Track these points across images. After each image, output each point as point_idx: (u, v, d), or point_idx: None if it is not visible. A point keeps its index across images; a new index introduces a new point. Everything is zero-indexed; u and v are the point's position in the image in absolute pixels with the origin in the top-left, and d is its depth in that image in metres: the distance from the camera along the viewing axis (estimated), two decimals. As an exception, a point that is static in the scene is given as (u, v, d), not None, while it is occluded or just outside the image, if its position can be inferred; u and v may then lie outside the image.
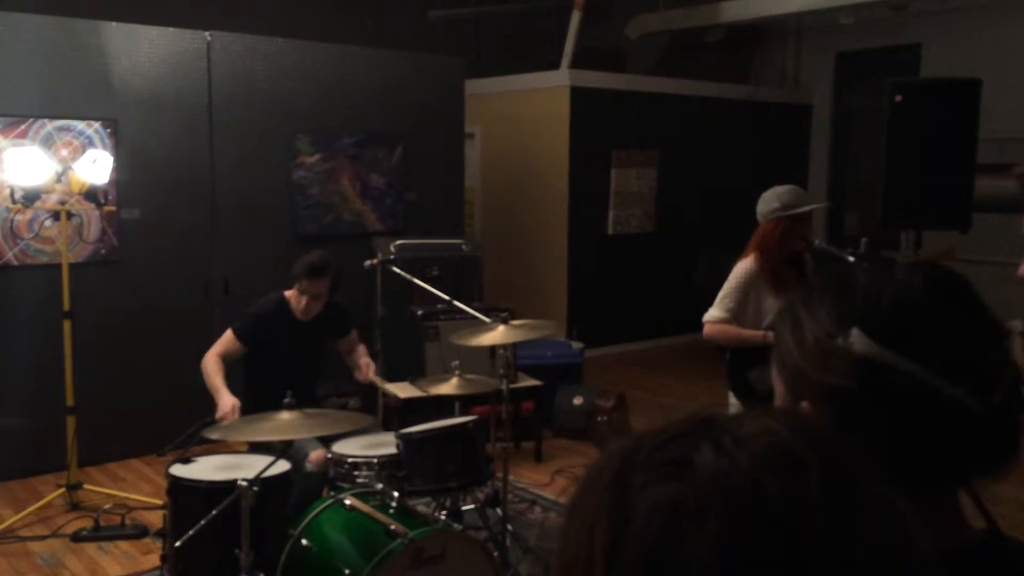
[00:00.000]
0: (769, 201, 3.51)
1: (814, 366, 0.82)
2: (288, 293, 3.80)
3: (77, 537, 3.98)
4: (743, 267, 3.50)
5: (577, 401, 5.45)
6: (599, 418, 5.34)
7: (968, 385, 0.78)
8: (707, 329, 3.53)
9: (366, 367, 3.86)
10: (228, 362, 3.69)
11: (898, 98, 4.62)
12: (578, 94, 7.38)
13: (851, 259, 3.42)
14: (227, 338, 3.71)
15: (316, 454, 3.36)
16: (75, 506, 4.29)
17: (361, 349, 3.99)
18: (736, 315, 3.52)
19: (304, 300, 3.67)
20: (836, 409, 0.81)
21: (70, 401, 4.30)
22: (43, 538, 4.00)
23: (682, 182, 8.07)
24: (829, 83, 8.76)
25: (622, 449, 0.56)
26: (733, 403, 3.47)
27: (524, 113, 7.64)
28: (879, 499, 0.55)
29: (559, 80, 7.41)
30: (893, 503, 0.56)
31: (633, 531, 0.52)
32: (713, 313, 3.53)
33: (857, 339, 0.80)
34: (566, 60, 7.50)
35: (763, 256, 3.46)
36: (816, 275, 3.40)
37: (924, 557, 0.56)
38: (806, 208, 3.46)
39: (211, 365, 3.63)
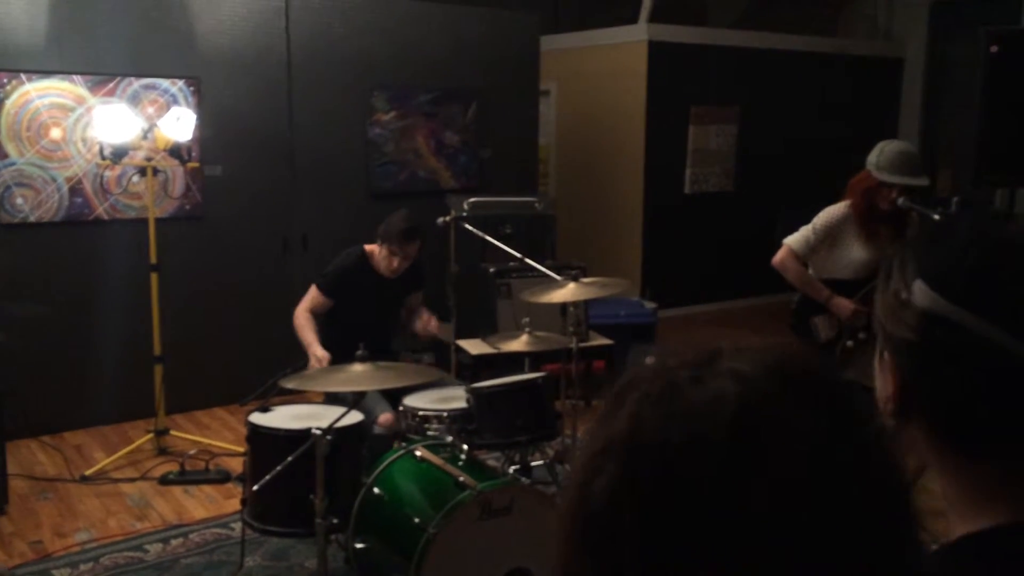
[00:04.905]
0: (874, 152, 3.43)
1: (889, 318, 0.81)
2: (369, 247, 3.86)
3: (164, 480, 4.16)
4: (833, 209, 3.48)
5: (649, 361, 5.41)
6: (672, 378, 5.30)
7: None
8: (780, 254, 3.51)
9: (427, 320, 3.91)
10: (317, 316, 3.80)
11: (994, 49, 4.38)
12: (656, 49, 7.22)
13: (936, 218, 3.29)
14: (312, 294, 3.82)
15: (385, 417, 3.42)
16: (162, 451, 4.48)
17: (423, 309, 4.05)
18: (816, 251, 3.47)
19: (396, 261, 3.75)
20: (905, 363, 0.80)
21: (157, 351, 4.47)
22: (132, 480, 4.20)
23: (763, 140, 7.84)
24: (923, 35, 8.35)
25: (622, 383, 0.63)
26: None
27: (601, 69, 7.51)
28: (822, 449, 0.54)
29: (637, 35, 7.25)
30: (846, 452, 0.54)
31: (579, 462, 0.60)
32: (795, 238, 3.49)
33: (919, 292, 0.77)
34: (644, 14, 7.34)
35: (852, 203, 3.43)
36: (921, 230, 3.32)
37: (879, 528, 0.54)
38: (892, 180, 3.32)
39: (301, 319, 3.76)
